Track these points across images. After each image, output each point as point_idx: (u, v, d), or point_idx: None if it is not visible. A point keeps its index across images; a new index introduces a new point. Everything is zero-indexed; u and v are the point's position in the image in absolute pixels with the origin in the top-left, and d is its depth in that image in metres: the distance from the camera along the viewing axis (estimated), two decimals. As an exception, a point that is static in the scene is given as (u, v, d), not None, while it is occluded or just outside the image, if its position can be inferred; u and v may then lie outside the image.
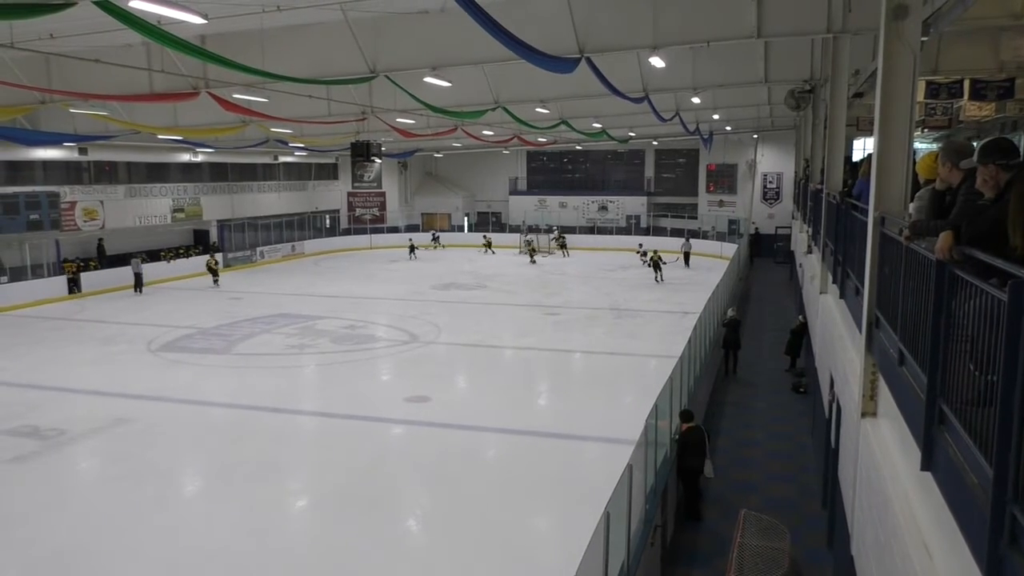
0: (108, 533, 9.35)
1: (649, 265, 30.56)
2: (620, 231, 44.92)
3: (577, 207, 47.55)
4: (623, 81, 16.23)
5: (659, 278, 30.14)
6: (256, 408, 14.29)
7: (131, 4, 8.45)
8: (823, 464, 9.80)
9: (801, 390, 15.16)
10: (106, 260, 30.62)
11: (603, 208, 47.15)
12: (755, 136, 40.21)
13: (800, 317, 17.28)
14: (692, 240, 38.33)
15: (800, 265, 20.09)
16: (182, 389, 15.54)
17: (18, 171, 27.79)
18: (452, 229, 48.01)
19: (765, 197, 41.53)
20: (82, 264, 29.14)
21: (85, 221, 30.01)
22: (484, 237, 43.59)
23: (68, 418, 13.64)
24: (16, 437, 12.67)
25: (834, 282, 9.49)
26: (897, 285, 4.57)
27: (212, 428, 13.47)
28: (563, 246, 41.26)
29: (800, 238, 20.75)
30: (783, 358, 17.08)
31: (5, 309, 24.90)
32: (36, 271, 27.72)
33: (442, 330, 21.26)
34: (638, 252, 35.00)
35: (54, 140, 25.23)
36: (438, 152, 48.04)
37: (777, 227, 40.17)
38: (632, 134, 36.41)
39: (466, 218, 49.47)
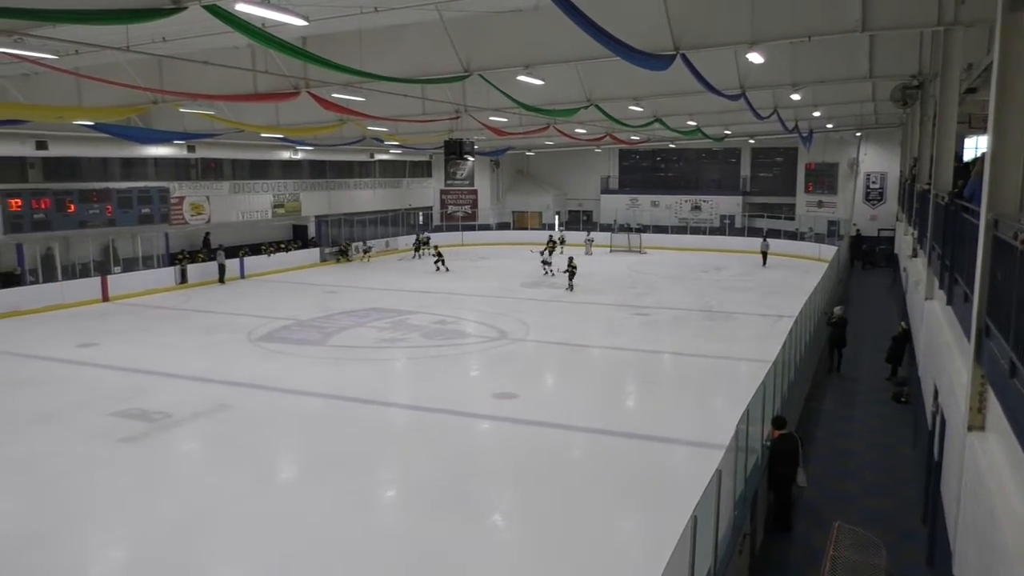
0: (209, 514, 9.77)
1: (566, 271, 28.42)
2: (714, 231, 44.06)
3: (670, 206, 46.86)
4: (719, 78, 15.89)
5: (570, 287, 28.08)
6: (349, 399, 14.68)
7: (237, 7, 8.80)
8: (924, 478, 9.36)
9: (903, 400, 14.53)
10: (211, 253, 32.10)
11: (696, 208, 46.33)
12: (858, 134, 38.67)
13: (903, 323, 16.58)
14: (780, 241, 37.24)
15: (904, 269, 19.25)
16: (279, 378, 16.10)
17: (132, 168, 29.40)
18: (543, 227, 48.06)
19: (868, 198, 39.92)
20: (187, 256, 30.71)
21: (192, 215, 31.50)
22: (427, 237, 41.41)
23: (174, 402, 14.34)
24: (127, 419, 13.41)
25: (941, 287, 9.05)
26: (1010, 292, 4.31)
27: (307, 417, 13.91)
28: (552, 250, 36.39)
29: (905, 241, 19.88)
30: (884, 366, 16.42)
31: (119, 297, 26.41)
32: (147, 262, 29.32)
33: (531, 328, 21.31)
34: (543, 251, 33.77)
35: (165, 138, 26.56)
36: (530, 150, 48.21)
37: (880, 229, 38.57)
38: (728, 132, 35.59)
39: (556, 216, 49.46)
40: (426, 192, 48.02)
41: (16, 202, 24.74)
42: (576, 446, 12.50)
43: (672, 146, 44.81)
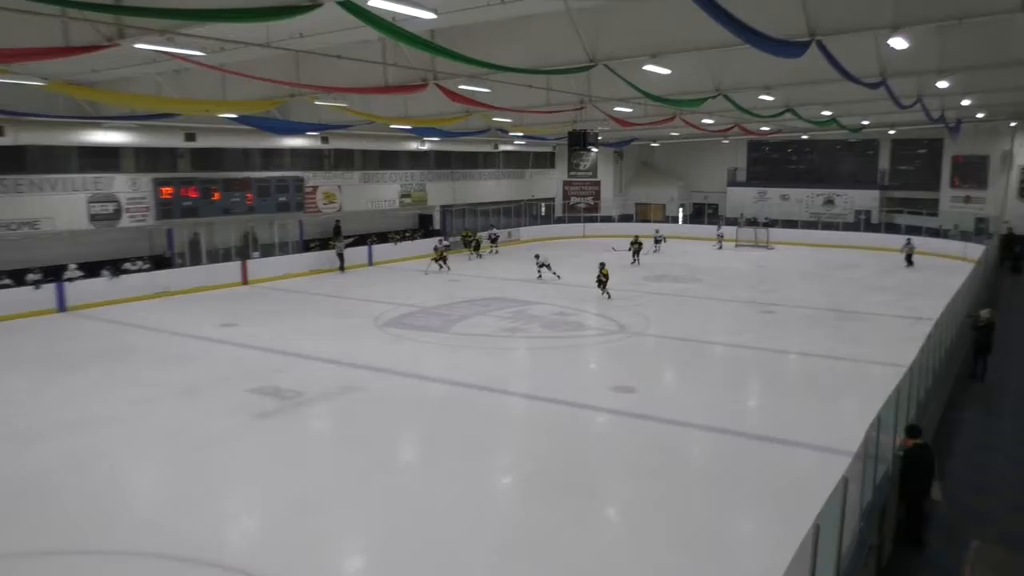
0: (334, 490, 10.20)
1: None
2: (848, 227, 41.98)
3: (800, 200, 45.06)
4: (858, 65, 15.09)
5: (605, 294, 24.54)
6: (469, 386, 14.94)
7: (369, 3, 9.08)
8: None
9: (1056, 412, 13.44)
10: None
11: (829, 202, 44.34)
12: (1012, 124, 35.88)
13: (1060, 330, 15.31)
14: (920, 239, 35.03)
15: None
16: (404, 363, 16.58)
17: (270, 158, 31.00)
18: (666, 220, 47.25)
19: (1022, 193, 37.02)
20: (318, 243, 32.13)
21: (325, 204, 32.89)
22: (495, 235, 38.10)
23: (305, 382, 15.04)
24: (262, 396, 14.18)
25: (1105, 292, 8.27)
26: None
27: (429, 401, 14.26)
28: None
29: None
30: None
31: (257, 281, 27.92)
32: (283, 248, 30.85)
33: (651, 322, 21.02)
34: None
35: (301, 129, 27.80)
36: (655, 141, 47.44)
37: (1036, 226, 35.77)
38: (865, 123, 33.82)
39: (681, 209, 48.51)
40: (549, 183, 48.17)
41: (167, 190, 26.58)
42: (694, 444, 12.25)
43: (804, 137, 43.05)
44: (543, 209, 47.43)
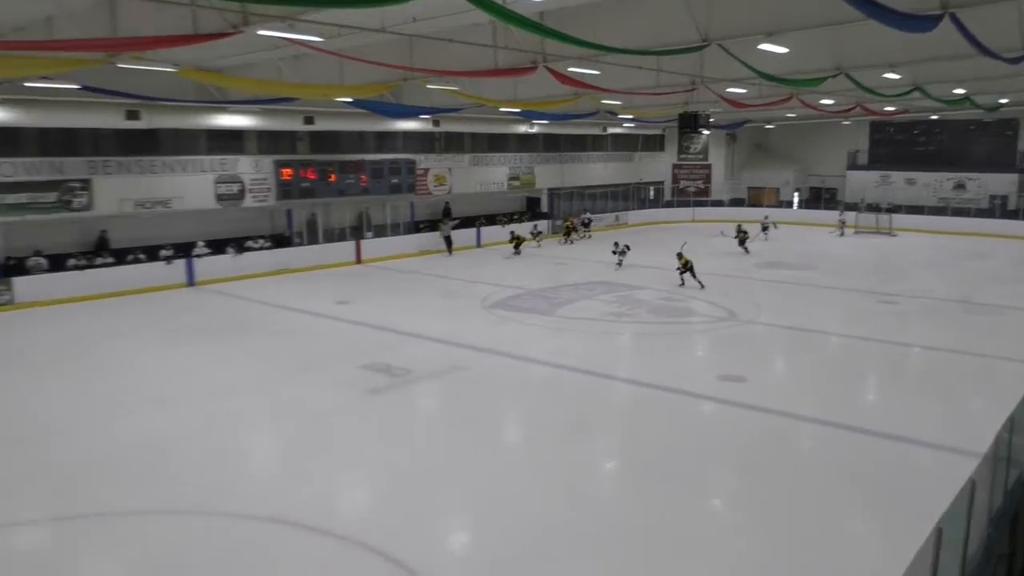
0: (441, 466, 10.42)
1: (678, 269, 23.61)
2: (980, 213, 39.37)
3: (928, 184, 42.56)
4: (996, 38, 14.06)
5: (687, 284, 23.38)
6: (573, 369, 14.93)
7: (481, -14, 9.12)
8: None
9: None
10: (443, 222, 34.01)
11: (960, 186, 41.70)
12: None
13: None
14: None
15: None
16: (509, 344, 16.74)
17: (384, 141, 31.80)
18: (780, 205, 45.64)
19: None
20: (427, 225, 32.80)
21: (435, 186, 33.50)
22: (587, 219, 37.34)
23: (414, 360, 15.42)
24: (373, 372, 14.63)
25: None
26: None
27: (533, 383, 14.37)
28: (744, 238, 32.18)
29: None
30: None
31: (370, 260, 28.79)
32: (394, 229, 31.65)
33: (763, 309, 20.41)
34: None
35: (413, 113, 28.41)
36: (769, 123, 45.80)
37: None
38: (1004, 101, 31.55)
39: (796, 194, 46.74)
40: (658, 166, 47.39)
41: (287, 172, 27.71)
42: (805, 437, 11.84)
43: (934, 117, 40.55)
44: (652, 193, 46.73)
